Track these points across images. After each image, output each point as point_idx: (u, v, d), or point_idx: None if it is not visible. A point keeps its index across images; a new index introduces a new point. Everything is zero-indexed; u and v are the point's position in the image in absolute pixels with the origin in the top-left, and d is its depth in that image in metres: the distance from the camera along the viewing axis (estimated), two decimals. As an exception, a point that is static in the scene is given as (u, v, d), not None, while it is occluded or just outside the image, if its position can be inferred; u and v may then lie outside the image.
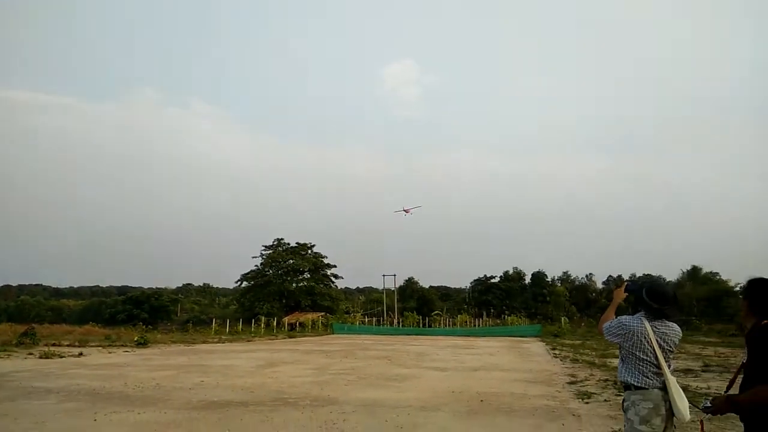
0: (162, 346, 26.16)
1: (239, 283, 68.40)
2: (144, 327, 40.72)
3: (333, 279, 69.08)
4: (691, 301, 68.86)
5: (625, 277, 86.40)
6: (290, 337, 39.21)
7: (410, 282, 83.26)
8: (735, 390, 3.31)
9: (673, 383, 3.55)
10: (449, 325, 59.18)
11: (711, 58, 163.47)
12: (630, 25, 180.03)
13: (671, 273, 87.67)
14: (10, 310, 78.51)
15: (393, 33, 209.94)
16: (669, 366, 3.60)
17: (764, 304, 3.11)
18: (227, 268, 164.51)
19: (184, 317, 74.25)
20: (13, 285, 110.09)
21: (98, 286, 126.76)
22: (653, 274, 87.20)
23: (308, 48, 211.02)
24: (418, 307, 73.59)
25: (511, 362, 18.98)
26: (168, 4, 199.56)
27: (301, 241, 68.30)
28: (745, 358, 3.12)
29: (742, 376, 3.15)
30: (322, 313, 59.20)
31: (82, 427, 7.62)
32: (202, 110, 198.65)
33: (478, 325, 57.64)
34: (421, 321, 60.22)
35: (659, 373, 3.57)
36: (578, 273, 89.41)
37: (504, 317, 66.35)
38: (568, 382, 13.10)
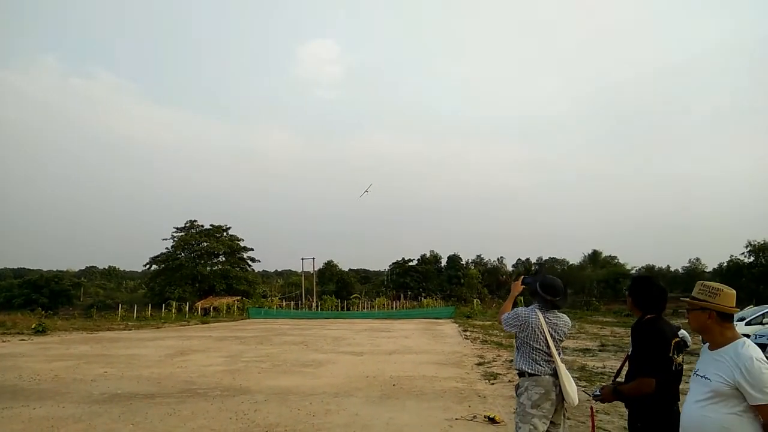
0: (62, 334, 24.57)
1: (148, 266, 65.50)
2: (43, 313, 38.12)
3: (250, 262, 67.87)
4: (592, 282, 73.99)
5: (533, 260, 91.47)
6: (203, 323, 38.10)
7: (329, 265, 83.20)
8: (619, 378, 3.62)
9: (563, 370, 3.84)
10: (368, 308, 59.82)
11: (625, 42, 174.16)
12: (551, 10, 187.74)
13: (574, 256, 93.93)
14: None
15: (312, 11, 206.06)
16: (559, 354, 3.89)
17: (646, 300, 3.39)
18: (135, 250, 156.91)
19: (87, 302, 70.06)
20: None
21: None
22: (557, 257, 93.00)
23: (224, 22, 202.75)
24: (337, 290, 73.76)
25: (425, 345, 19.53)
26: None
27: (216, 224, 66.34)
28: (631, 349, 3.39)
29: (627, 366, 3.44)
30: (238, 298, 57.99)
31: (-35, 428, 7.03)
32: (108, 82, 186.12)
33: (396, 308, 58.65)
34: (339, 304, 60.43)
35: (550, 361, 3.85)
36: (490, 256, 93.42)
37: (420, 299, 67.94)
38: (476, 363, 13.71)
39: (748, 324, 16.65)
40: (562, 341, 3.98)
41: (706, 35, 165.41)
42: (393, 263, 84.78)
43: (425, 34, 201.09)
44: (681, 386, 3.25)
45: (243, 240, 67.02)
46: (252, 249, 67.56)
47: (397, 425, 7.05)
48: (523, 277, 4.36)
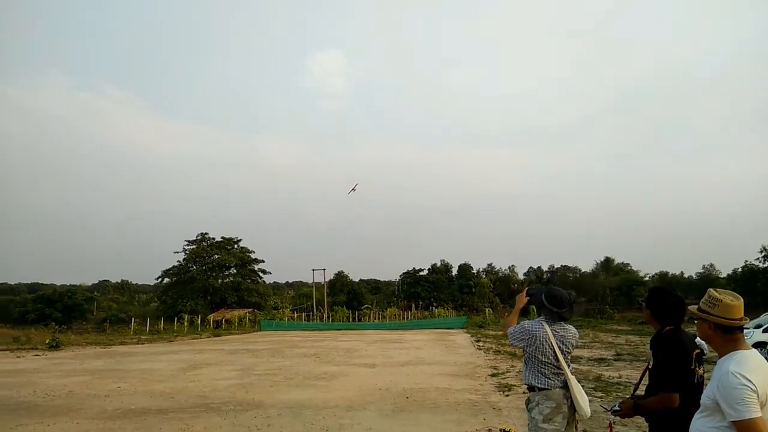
0: (76, 349, 24.72)
1: (160, 279, 65.85)
2: (57, 327, 38.19)
3: (261, 274, 67.97)
4: (605, 290, 73.27)
5: (545, 268, 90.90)
6: (215, 335, 38.14)
7: (340, 276, 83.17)
8: (638, 392, 3.55)
9: (573, 382, 3.81)
10: (379, 319, 59.66)
11: (638, 47, 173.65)
12: (547, 18, 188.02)
13: (587, 264, 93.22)
14: None
15: (318, 23, 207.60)
16: (568, 366, 3.85)
17: (664, 312, 3.33)
18: (147, 263, 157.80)
19: (100, 316, 70.37)
20: None
21: (6, 283, 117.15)
22: (569, 265, 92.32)
23: (231, 34, 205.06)
24: (348, 301, 73.66)
25: (438, 356, 19.40)
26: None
27: (227, 236, 66.64)
28: (651, 363, 3.32)
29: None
30: (250, 310, 58.04)
31: (-19, 446, 7.07)
32: (116, 96, 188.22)
33: (407, 318, 58.43)
34: (351, 315, 60.31)
35: (560, 374, 3.81)
36: (502, 265, 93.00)
37: (432, 309, 67.62)
38: (490, 375, 13.58)
39: (765, 331, 16.32)
40: (570, 353, 3.95)
41: (731, 35, 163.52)
42: (403, 273, 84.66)
43: (430, 43, 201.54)
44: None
45: (254, 252, 67.28)
46: (263, 261, 67.78)
47: (411, 439, 6.98)
48: (527, 288, 4.30)
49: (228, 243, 65.84)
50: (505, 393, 10.63)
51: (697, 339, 3.24)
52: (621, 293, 68.45)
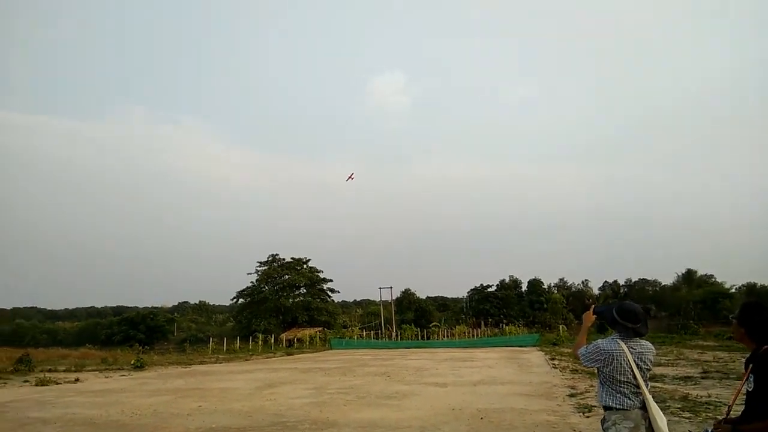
0: (159, 369, 25.95)
1: (235, 300, 68.23)
2: (140, 348, 40.34)
3: (329, 293, 68.98)
4: (688, 304, 69.01)
5: (621, 282, 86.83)
6: (288, 354, 38.99)
7: (407, 293, 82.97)
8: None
9: (652, 402, 3.62)
10: (448, 337, 58.92)
11: (699, 57, 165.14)
12: (613, 31, 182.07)
13: (667, 276, 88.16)
14: (5, 335, 77.61)
15: (380, 44, 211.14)
16: (646, 384, 3.66)
17: (762, 330, 3.08)
18: (223, 285, 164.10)
19: (180, 336, 73.71)
20: (7, 308, 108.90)
21: (94, 307, 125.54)
22: (648, 278, 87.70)
23: (297, 61, 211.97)
24: (415, 318, 73.30)
25: (511, 375, 18.91)
26: (155, 22, 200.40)
27: (296, 256, 68.24)
28: (751, 385, 3.05)
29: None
30: (320, 328, 58.95)
31: (79, 461, 7.52)
32: (192, 127, 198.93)
33: (477, 336, 57.35)
34: (419, 333, 59.95)
35: (638, 393, 3.63)
36: (574, 279, 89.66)
37: (502, 326, 66.07)
38: (568, 395, 13.06)
39: None
40: (649, 370, 3.76)
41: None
42: (471, 289, 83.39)
43: (490, 59, 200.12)
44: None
45: (322, 272, 68.53)
46: (331, 280, 68.87)
47: (488, 462, 6.82)
48: (594, 306, 4.11)
49: (297, 263, 67.43)
50: (586, 414, 10.20)
51: None
52: (705, 307, 64.28)
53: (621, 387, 3.64)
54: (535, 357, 28.59)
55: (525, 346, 40.80)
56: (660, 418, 3.57)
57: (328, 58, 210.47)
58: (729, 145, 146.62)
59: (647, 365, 3.72)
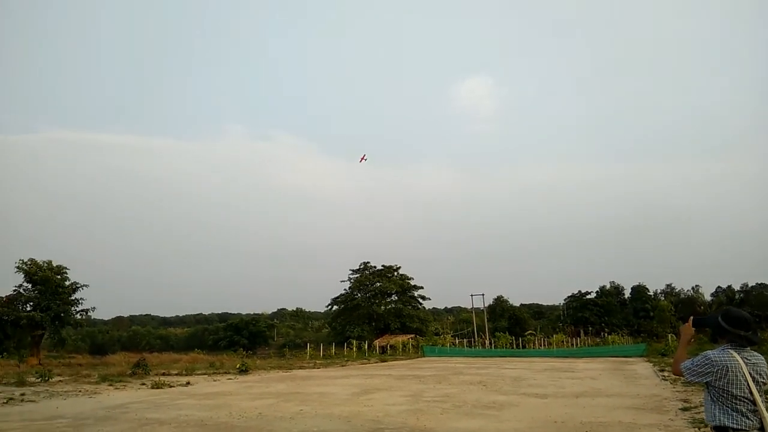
0: (262, 372, 27.17)
1: (330, 306, 70.22)
2: (244, 353, 42.64)
3: (420, 300, 69.05)
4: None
5: (736, 287, 79.63)
6: (382, 360, 39.42)
7: (500, 300, 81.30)
8: None
9: None
10: (544, 346, 56.96)
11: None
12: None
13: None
14: (123, 340, 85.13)
15: (465, 49, 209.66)
16: (763, 401, 3.28)
17: None
18: (318, 292, 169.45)
19: (280, 342, 76.92)
20: (125, 316, 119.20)
21: (201, 313, 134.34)
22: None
23: (384, 71, 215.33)
24: (509, 326, 71.60)
25: (616, 386, 17.91)
26: (249, 46, 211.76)
27: (387, 264, 69.04)
28: None
29: None
30: (412, 335, 59.13)
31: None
32: (286, 141, 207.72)
33: (576, 345, 54.94)
34: (514, 342, 58.40)
35: (756, 411, 3.25)
36: (683, 285, 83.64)
37: (604, 336, 62.86)
38: (681, 408, 12.15)
39: None
40: (765, 384, 3.36)
41: None
42: (568, 297, 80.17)
43: (581, 58, 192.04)
44: None
45: (413, 279, 68.79)
46: (422, 287, 68.97)
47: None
48: (692, 317, 3.76)
49: (388, 271, 68.19)
50: (700, 429, 9.41)
51: None
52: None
53: (737, 404, 3.28)
54: (642, 368, 26.90)
55: (630, 357, 38.61)
56: None
57: (413, 68, 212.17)
58: None
59: (763, 378, 3.35)
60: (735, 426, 3.25)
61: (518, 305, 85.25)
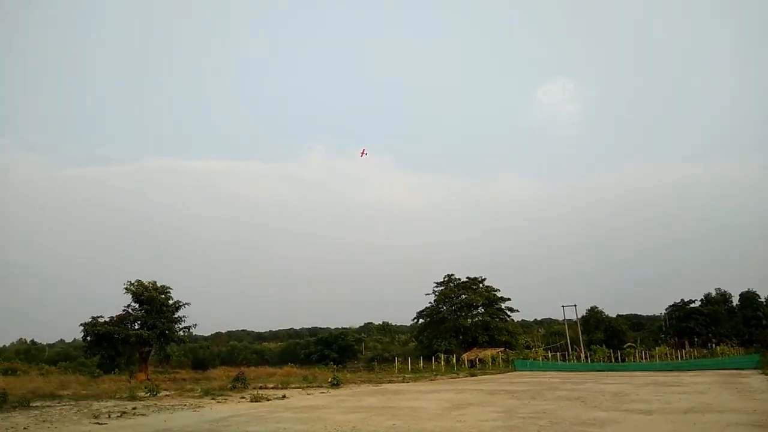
0: (353, 386, 27.60)
1: (415, 320, 70.13)
2: (335, 366, 43.51)
3: (508, 312, 67.31)
4: None
5: None
6: (471, 374, 38.82)
7: (594, 311, 77.52)
8: None
9: None
10: (646, 359, 53.61)
11: None
12: None
13: None
14: (222, 355, 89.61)
15: (544, 53, 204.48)
16: None
17: None
18: (403, 305, 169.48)
19: (368, 356, 77.72)
20: (223, 332, 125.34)
21: (293, 328, 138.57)
22: None
23: (458, 84, 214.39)
24: (606, 339, 68.07)
25: (729, 401, 16.54)
26: (329, 68, 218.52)
27: (472, 276, 68.02)
28: None
29: None
30: (501, 349, 57.72)
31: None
32: (366, 158, 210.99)
33: (681, 358, 51.29)
34: (611, 355, 55.43)
35: None
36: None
37: (711, 347, 58.28)
38: (810, 428, 11.03)
39: None
40: None
41: None
42: (670, 306, 75.17)
43: (662, 60, 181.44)
44: None
45: (499, 290, 67.26)
46: (509, 299, 67.21)
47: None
48: None
49: (473, 283, 67.16)
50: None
51: None
52: None
53: None
54: (756, 381, 24.71)
55: (742, 369, 35.50)
56: None
57: (491, 76, 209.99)
58: None
59: None
60: None
61: (614, 316, 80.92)
